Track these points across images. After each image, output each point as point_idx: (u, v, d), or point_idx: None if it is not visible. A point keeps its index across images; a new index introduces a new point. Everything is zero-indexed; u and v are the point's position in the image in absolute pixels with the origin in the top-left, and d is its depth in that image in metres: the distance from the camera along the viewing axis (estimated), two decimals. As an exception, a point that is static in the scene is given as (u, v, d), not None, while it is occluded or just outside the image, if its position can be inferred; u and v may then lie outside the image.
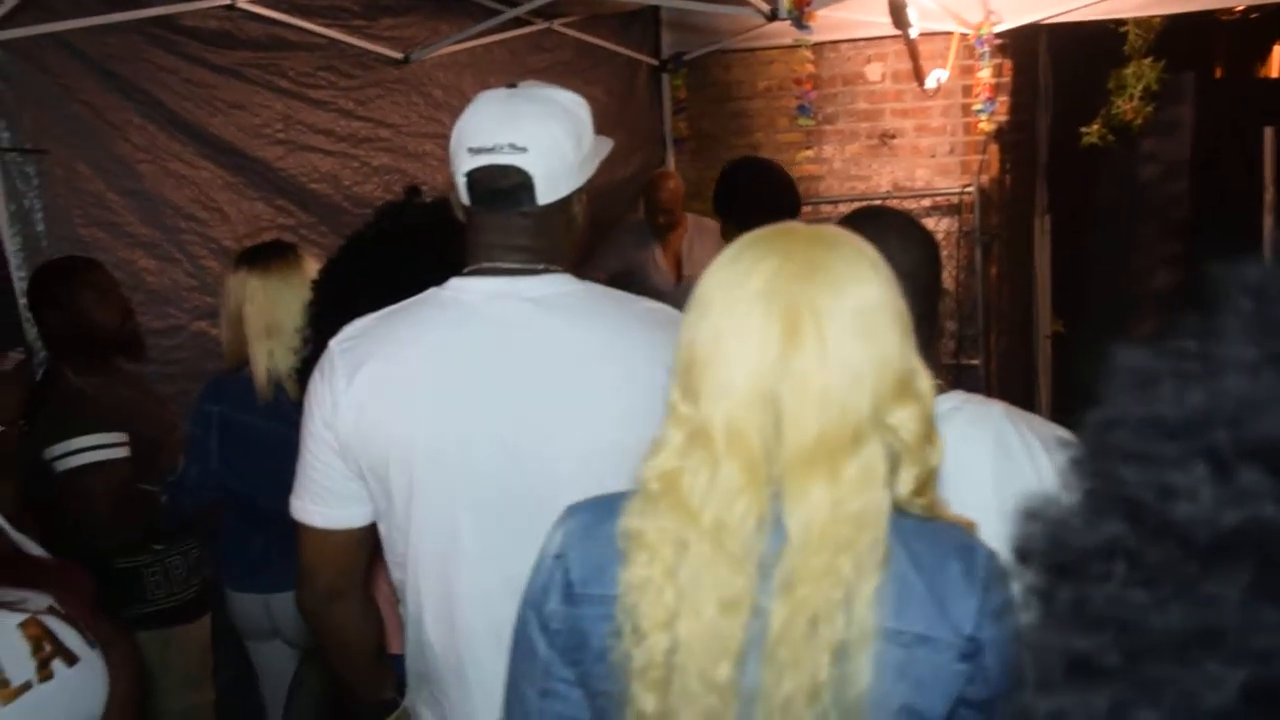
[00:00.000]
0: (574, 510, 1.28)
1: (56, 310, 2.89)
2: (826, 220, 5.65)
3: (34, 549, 1.79)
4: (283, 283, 2.64)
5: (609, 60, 5.59)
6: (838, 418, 1.07)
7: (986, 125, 5.40)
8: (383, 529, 1.73)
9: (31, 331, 3.27)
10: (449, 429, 1.60)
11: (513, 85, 1.71)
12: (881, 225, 1.59)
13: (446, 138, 4.52)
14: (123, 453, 2.78)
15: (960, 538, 1.19)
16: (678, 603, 1.10)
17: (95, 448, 2.73)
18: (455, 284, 1.69)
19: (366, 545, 1.77)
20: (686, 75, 6.07)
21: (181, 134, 3.71)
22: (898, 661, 1.11)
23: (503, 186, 1.63)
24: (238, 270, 2.79)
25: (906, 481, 1.14)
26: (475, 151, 1.64)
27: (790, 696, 1.07)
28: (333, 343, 1.70)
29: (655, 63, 5.99)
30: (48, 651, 1.57)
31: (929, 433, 1.15)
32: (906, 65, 5.46)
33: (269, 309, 2.70)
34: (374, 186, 4.34)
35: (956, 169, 5.62)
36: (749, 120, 6.05)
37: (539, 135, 1.62)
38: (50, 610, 1.62)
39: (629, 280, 4.71)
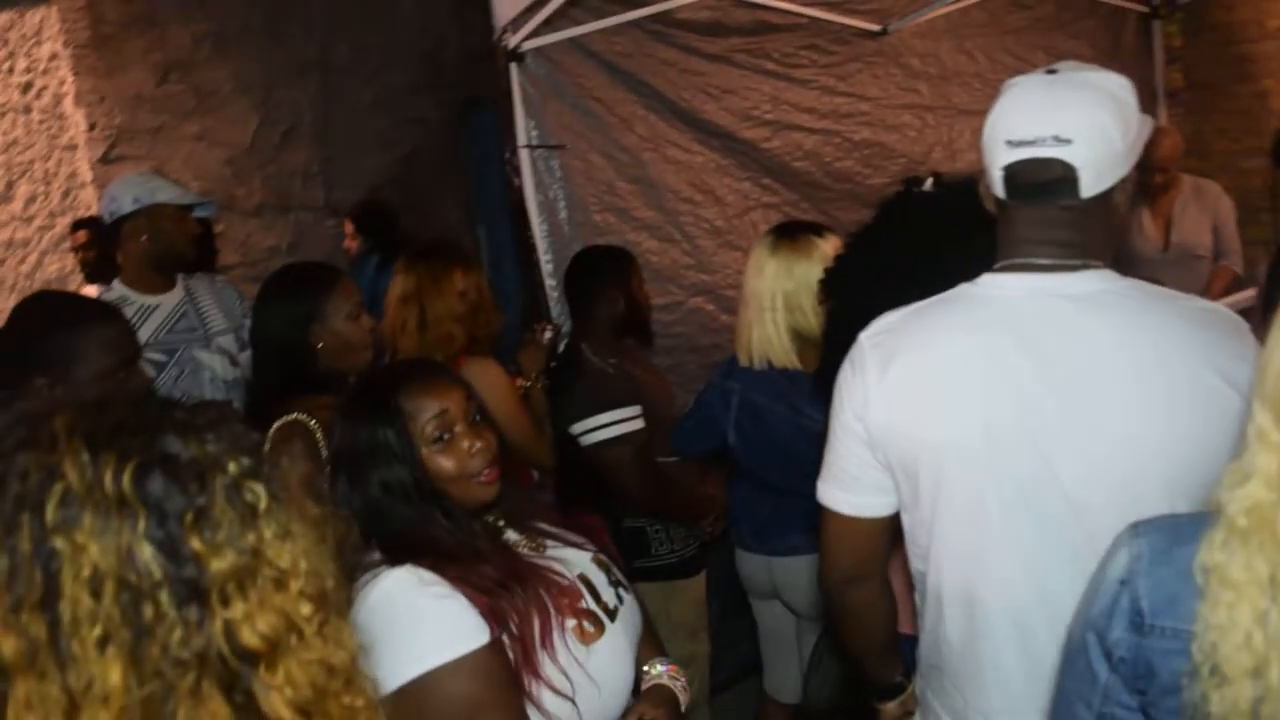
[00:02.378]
0: (1140, 531, 1.21)
1: (591, 295, 3.20)
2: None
3: None
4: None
5: (1093, 12, 5.23)
6: None
7: None
8: (906, 520, 1.75)
9: (555, 309, 3.67)
10: (982, 428, 1.58)
11: (1052, 70, 1.63)
12: None
13: (924, 108, 4.51)
14: (640, 424, 3.04)
15: None
16: (1267, 649, 1.02)
17: (618, 422, 3.01)
18: (988, 280, 1.65)
19: (889, 533, 1.80)
20: (1181, 20, 5.55)
21: (679, 122, 3.96)
22: None
23: (1044, 180, 1.56)
24: (776, 254, 2.89)
25: None
26: (1014, 144, 1.57)
27: None
28: (863, 336, 1.72)
29: (1145, 9, 5.52)
30: (612, 580, 1.86)
31: None
32: None
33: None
34: (853, 162, 4.39)
35: None
36: (1256, 65, 5.42)
37: (1085, 125, 1.53)
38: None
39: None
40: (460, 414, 1.75)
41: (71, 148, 5.43)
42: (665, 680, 1.89)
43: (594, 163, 3.81)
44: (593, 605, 1.78)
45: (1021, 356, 1.57)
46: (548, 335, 3.32)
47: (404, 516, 1.69)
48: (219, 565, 0.81)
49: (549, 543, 1.86)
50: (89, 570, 0.77)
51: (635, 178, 3.88)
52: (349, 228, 4.87)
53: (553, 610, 1.70)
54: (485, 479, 1.74)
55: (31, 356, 2.13)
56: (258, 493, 0.84)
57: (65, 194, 5.41)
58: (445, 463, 1.72)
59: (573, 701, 1.65)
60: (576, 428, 3.04)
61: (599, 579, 1.84)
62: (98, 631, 0.76)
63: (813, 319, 2.78)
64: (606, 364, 3.12)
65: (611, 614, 1.80)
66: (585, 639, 1.71)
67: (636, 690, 1.86)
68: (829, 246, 2.80)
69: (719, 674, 3.61)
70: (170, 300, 3.29)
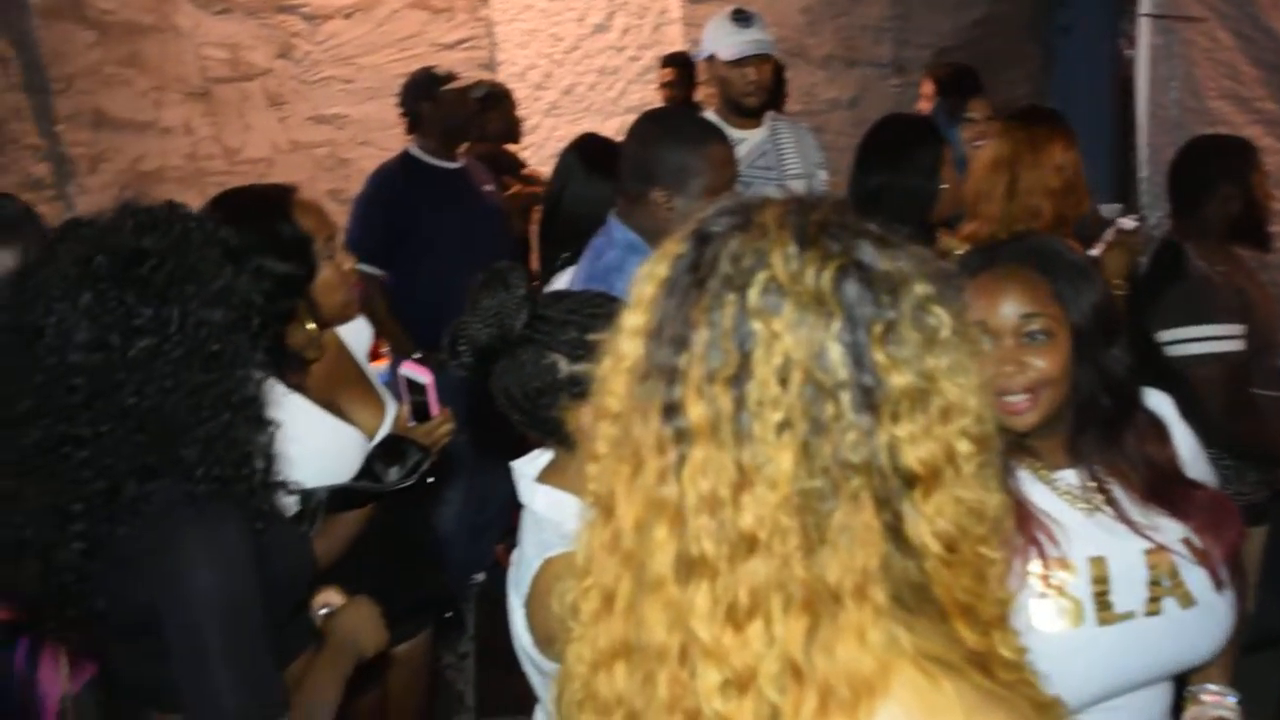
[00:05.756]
0: None
1: (1203, 190, 2.86)
2: None
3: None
4: None
5: None
6: None
7: None
8: None
9: (1145, 199, 3.35)
10: None
11: None
12: None
13: None
14: (1240, 345, 2.71)
15: None
16: None
17: (1214, 338, 2.70)
18: None
19: None
20: None
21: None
22: None
23: None
24: None
25: None
26: None
27: None
28: None
29: None
30: (1165, 588, 1.48)
31: None
32: None
33: None
34: None
35: None
36: None
37: None
38: (1185, 543, 1.51)
39: None
40: (1008, 328, 1.48)
41: (665, -15, 5.74)
42: (1222, 713, 1.60)
43: (1220, 41, 3.36)
44: (1078, 591, 1.47)
45: None
46: (1131, 223, 3.04)
47: None
48: (897, 381, 0.79)
49: (1107, 509, 1.53)
50: (780, 358, 0.78)
51: (1269, 64, 3.37)
52: (928, 88, 4.72)
53: (1017, 569, 1.42)
54: (1011, 406, 1.46)
55: (651, 168, 2.26)
56: (941, 319, 0.82)
57: (655, 28, 5.76)
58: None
59: None
60: (1166, 335, 2.76)
61: (1132, 576, 1.48)
62: (778, 416, 0.78)
63: None
64: (1213, 270, 2.79)
65: (1117, 617, 1.46)
66: (1038, 621, 1.44)
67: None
68: None
69: (1251, 634, 3.25)
70: (756, 137, 3.41)
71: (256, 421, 1.57)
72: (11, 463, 1.46)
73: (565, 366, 1.53)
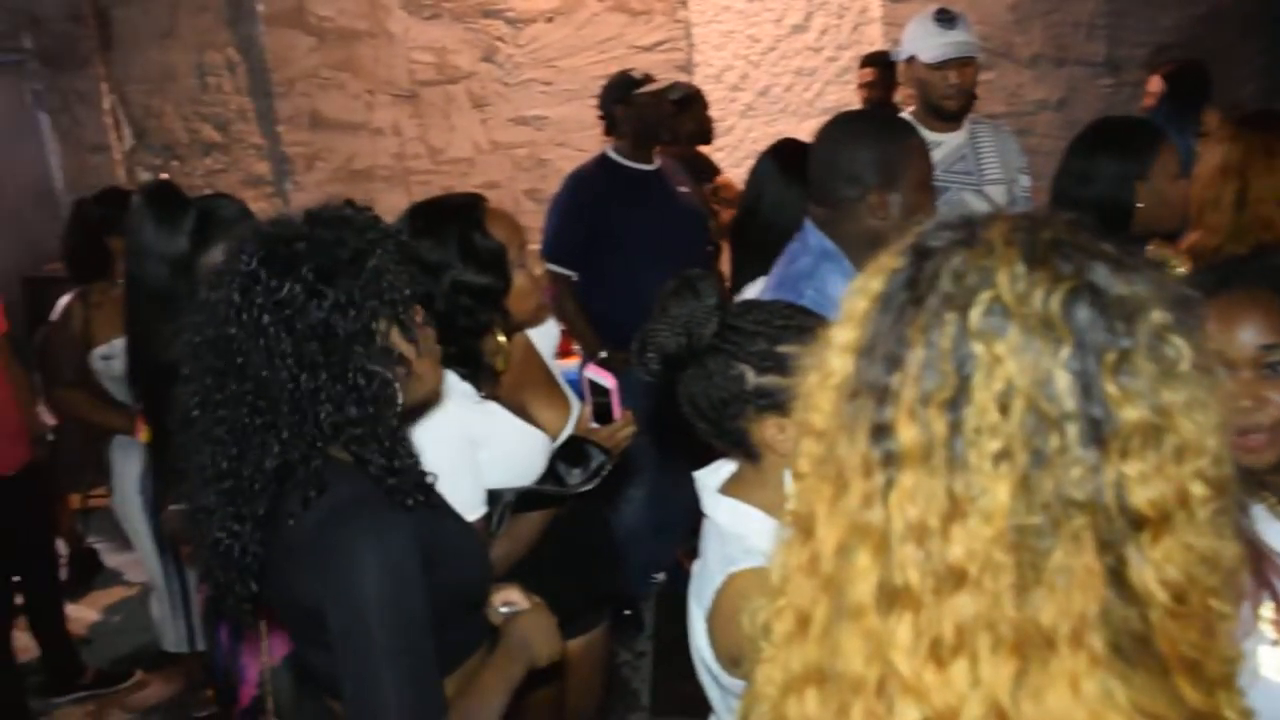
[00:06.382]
0: None
1: None
2: None
3: None
4: None
5: None
6: None
7: None
8: None
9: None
10: None
11: None
12: None
13: None
14: None
15: None
16: None
17: None
18: None
19: None
20: None
21: None
22: None
23: None
24: None
25: None
26: None
27: None
28: None
29: None
30: None
31: None
32: None
33: None
34: None
35: None
36: None
37: None
38: None
39: None
40: (1246, 359, 1.36)
41: (866, -17, 5.63)
42: None
43: None
44: None
45: None
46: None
47: None
48: (1129, 415, 0.73)
49: None
50: (1002, 384, 0.73)
51: None
52: (1155, 85, 4.45)
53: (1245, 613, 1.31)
54: (1248, 443, 1.34)
55: (857, 171, 2.18)
56: (1180, 350, 0.75)
57: (854, 28, 5.65)
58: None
59: None
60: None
61: None
62: (997, 445, 0.73)
63: None
64: None
65: None
66: (1268, 670, 1.31)
67: None
68: None
69: None
70: (953, 140, 3.28)
71: (384, 404, 1.53)
72: (199, 435, 1.51)
73: (753, 378, 1.50)
